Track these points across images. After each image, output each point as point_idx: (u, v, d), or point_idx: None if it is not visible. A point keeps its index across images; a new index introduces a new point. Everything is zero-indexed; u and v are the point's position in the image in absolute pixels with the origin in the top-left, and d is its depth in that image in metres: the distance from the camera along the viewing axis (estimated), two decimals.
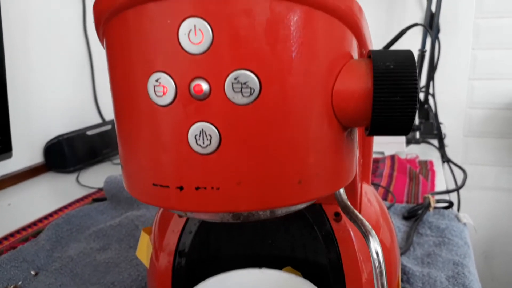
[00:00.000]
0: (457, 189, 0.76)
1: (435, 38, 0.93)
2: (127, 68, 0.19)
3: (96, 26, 0.21)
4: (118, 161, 0.93)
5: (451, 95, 1.06)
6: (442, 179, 0.77)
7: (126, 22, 0.18)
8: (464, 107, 1.07)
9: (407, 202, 0.66)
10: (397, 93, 0.18)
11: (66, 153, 0.84)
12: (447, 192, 0.69)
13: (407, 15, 1.04)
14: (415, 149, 0.92)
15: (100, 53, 1.01)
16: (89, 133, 0.91)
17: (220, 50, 0.17)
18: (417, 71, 0.19)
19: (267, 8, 0.17)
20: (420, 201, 0.66)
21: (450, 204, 0.63)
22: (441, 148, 0.92)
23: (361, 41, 0.21)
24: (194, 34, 0.17)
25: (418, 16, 1.02)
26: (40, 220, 0.64)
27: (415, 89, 0.18)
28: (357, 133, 0.23)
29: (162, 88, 0.18)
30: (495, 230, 1.11)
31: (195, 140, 0.18)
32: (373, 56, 0.19)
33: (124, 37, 0.19)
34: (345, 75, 0.19)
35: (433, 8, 0.93)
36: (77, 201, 0.72)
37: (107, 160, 0.95)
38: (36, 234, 0.58)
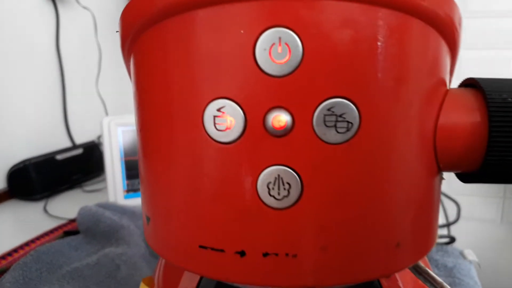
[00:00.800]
0: (452, 223, 0.74)
1: None
2: (171, 92, 0.14)
3: (122, 39, 0.16)
4: (89, 188, 0.86)
5: None
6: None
7: (173, 31, 0.14)
8: None
9: None
10: None
11: (33, 179, 0.76)
12: (443, 226, 0.66)
13: None
14: None
15: (73, 71, 0.94)
16: (59, 157, 0.83)
17: (312, 71, 0.13)
18: None
19: (375, 20, 0.13)
20: None
21: (452, 240, 0.60)
22: None
23: (454, 60, 0.17)
24: (278, 50, 0.13)
25: None
26: (3, 257, 0.56)
27: None
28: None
29: (226, 120, 0.13)
30: (481, 261, 1.10)
31: (267, 190, 0.13)
32: (483, 86, 0.15)
33: (169, 52, 0.14)
34: (450, 108, 0.15)
35: None
36: (46, 234, 0.64)
37: (77, 187, 0.87)
38: (0, 274, 0.50)
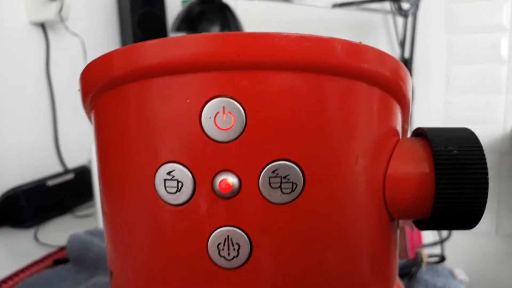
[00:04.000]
0: (444, 240, 0.74)
1: None
2: (126, 153, 0.15)
3: (83, 97, 0.16)
4: (80, 213, 0.86)
5: None
6: None
7: (128, 97, 0.14)
8: None
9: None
10: (464, 185, 0.15)
11: (24, 207, 0.76)
12: (435, 244, 0.66)
13: None
14: None
15: (63, 96, 0.95)
16: (50, 183, 0.83)
17: (256, 136, 0.13)
18: (484, 156, 0.15)
19: (312, 86, 0.14)
20: (411, 255, 0.63)
21: (442, 258, 0.60)
22: None
23: (406, 113, 0.18)
24: (223, 118, 0.13)
25: None
26: None
27: (485, 179, 0.15)
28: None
29: (175, 183, 0.14)
30: (476, 275, 1.09)
31: (218, 251, 0.14)
32: (431, 138, 0.16)
33: (124, 116, 0.14)
34: (399, 159, 0.16)
35: (406, 54, 0.94)
36: (36, 263, 0.64)
37: (69, 212, 0.87)
38: None
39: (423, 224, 0.17)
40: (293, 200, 0.14)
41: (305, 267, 0.14)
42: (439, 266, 0.59)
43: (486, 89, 1.02)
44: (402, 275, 0.57)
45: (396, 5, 0.87)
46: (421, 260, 0.59)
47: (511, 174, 1.05)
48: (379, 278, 0.16)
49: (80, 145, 0.97)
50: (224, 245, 0.14)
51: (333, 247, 0.15)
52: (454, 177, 0.15)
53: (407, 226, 0.73)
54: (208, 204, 0.14)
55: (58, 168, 0.94)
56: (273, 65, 0.13)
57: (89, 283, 0.56)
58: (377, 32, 1.06)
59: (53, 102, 0.93)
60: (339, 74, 0.14)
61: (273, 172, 0.13)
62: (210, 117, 0.13)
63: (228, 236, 0.14)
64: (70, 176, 0.88)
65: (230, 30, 0.89)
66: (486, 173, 0.15)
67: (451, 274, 0.57)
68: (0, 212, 0.78)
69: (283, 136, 0.13)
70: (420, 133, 0.17)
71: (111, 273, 0.17)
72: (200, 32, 0.95)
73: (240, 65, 0.13)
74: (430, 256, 0.61)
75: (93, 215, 0.83)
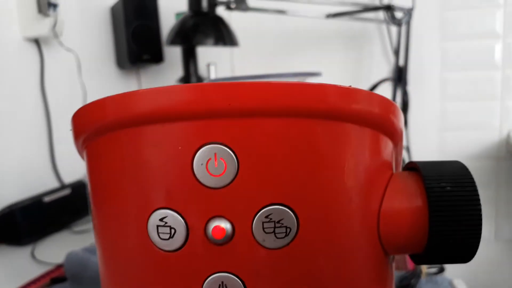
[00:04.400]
0: None
1: (405, 91, 0.94)
2: (119, 199, 0.15)
3: (74, 137, 0.16)
4: (78, 228, 0.85)
5: (423, 146, 1.07)
6: None
7: (120, 143, 0.14)
8: (436, 158, 1.08)
9: (397, 268, 0.63)
10: (458, 222, 0.15)
11: (20, 224, 0.76)
12: None
13: (374, 69, 1.06)
14: None
15: (58, 111, 0.94)
16: (46, 199, 0.83)
17: (248, 182, 0.13)
18: (478, 192, 0.15)
19: (303, 130, 0.14)
20: (410, 266, 0.63)
21: (441, 269, 0.60)
22: None
23: (399, 146, 0.18)
24: (215, 164, 0.13)
25: (385, 69, 1.04)
26: None
27: (479, 215, 0.15)
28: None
29: (168, 229, 0.14)
30: (476, 281, 1.09)
31: None
32: (423, 174, 0.16)
33: (117, 161, 0.14)
34: (392, 195, 0.16)
35: (401, 62, 0.95)
36: (33, 282, 0.63)
37: (66, 228, 0.86)
38: None
39: (418, 258, 0.17)
40: (288, 244, 0.14)
41: None
42: (439, 277, 0.59)
43: (481, 95, 1.02)
44: (401, 287, 0.57)
45: (389, 14, 0.88)
46: (420, 272, 0.59)
47: (508, 180, 1.05)
48: None
49: (76, 160, 0.97)
50: None
51: (328, 286, 0.15)
52: (447, 214, 0.15)
53: None
54: (202, 250, 0.14)
55: (55, 184, 0.93)
56: (263, 112, 0.13)
57: None
58: (372, 41, 1.06)
59: (48, 117, 0.93)
60: (329, 117, 0.14)
61: (267, 217, 0.13)
62: (202, 164, 0.13)
63: (222, 282, 0.14)
64: (66, 192, 0.88)
65: (224, 42, 0.89)
66: (479, 209, 0.15)
67: (451, 285, 0.57)
68: None
69: (276, 181, 0.13)
70: (413, 167, 0.17)
71: None
72: (195, 45, 0.96)
73: (231, 113, 0.13)
74: (430, 267, 0.61)
75: (90, 230, 0.83)
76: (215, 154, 0.13)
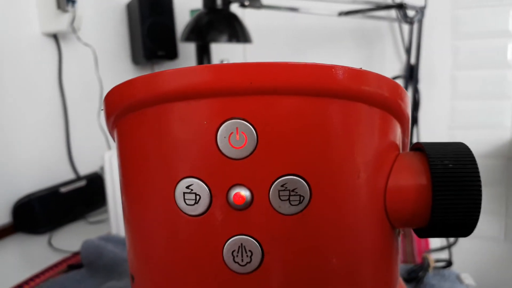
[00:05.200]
0: (451, 245, 0.74)
1: (416, 89, 0.95)
2: (148, 171, 0.16)
3: (106, 117, 0.18)
4: (93, 219, 0.88)
5: None
6: None
7: (149, 119, 0.16)
8: None
9: (405, 262, 0.64)
10: (459, 196, 0.16)
11: (38, 214, 0.78)
12: (442, 248, 0.67)
13: (386, 66, 1.06)
14: None
15: (75, 105, 0.97)
16: (63, 190, 0.85)
17: (266, 154, 0.15)
18: (478, 170, 0.17)
19: (316, 108, 0.15)
20: (417, 259, 0.64)
21: (449, 263, 0.61)
22: None
23: (406, 129, 0.19)
24: (236, 137, 0.14)
25: (397, 67, 1.05)
26: None
27: (479, 191, 0.16)
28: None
29: (194, 195, 0.15)
30: (485, 280, 1.10)
31: (232, 257, 0.15)
32: (428, 153, 0.17)
33: (147, 136, 0.16)
34: (398, 173, 0.17)
35: (412, 60, 0.95)
36: (51, 268, 0.66)
37: (82, 219, 0.89)
38: None
39: (422, 232, 0.18)
40: (301, 211, 0.15)
41: (312, 272, 0.15)
42: (446, 271, 0.59)
43: (493, 95, 1.02)
44: (409, 280, 0.58)
45: (401, 12, 0.88)
46: (428, 265, 0.59)
47: None
48: (381, 282, 0.17)
49: (92, 153, 1.00)
50: (238, 252, 0.15)
51: (337, 254, 0.16)
52: (449, 189, 0.16)
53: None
54: (223, 215, 0.15)
55: (71, 175, 0.96)
56: (280, 91, 0.14)
57: (103, 287, 0.57)
58: (384, 39, 1.07)
59: (65, 110, 0.95)
60: (340, 97, 0.15)
61: (282, 186, 0.15)
62: (225, 137, 0.15)
63: (241, 244, 0.15)
64: (82, 183, 0.90)
65: (238, 39, 0.90)
66: (479, 185, 0.16)
67: (458, 279, 0.58)
68: (15, 219, 0.80)
69: (291, 154, 0.15)
70: (418, 147, 0.18)
71: (132, 278, 0.18)
72: (209, 41, 0.97)
73: (251, 91, 0.14)
74: (437, 261, 0.61)
75: (105, 221, 0.85)
76: (236, 128, 0.14)
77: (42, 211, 0.80)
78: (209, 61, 1.04)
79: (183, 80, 0.15)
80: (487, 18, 1.00)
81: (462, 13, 1.02)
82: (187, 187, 0.15)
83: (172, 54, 1.11)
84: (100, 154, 0.68)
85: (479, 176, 0.17)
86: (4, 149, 0.80)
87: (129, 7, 1.13)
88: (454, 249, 0.84)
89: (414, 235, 0.72)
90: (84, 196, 0.90)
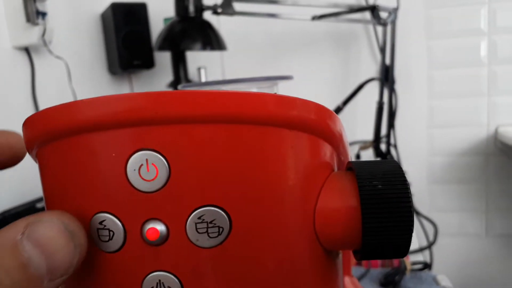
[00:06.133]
0: (430, 245, 0.74)
1: (392, 90, 0.95)
2: (63, 203, 0.15)
3: (26, 147, 0.17)
4: None
5: (412, 144, 1.07)
6: (413, 235, 0.75)
7: (63, 151, 0.15)
8: (426, 155, 1.09)
9: (382, 265, 0.64)
10: (389, 219, 0.16)
11: None
12: (421, 249, 0.67)
13: (362, 68, 1.06)
14: None
15: None
16: (39, 205, 0.84)
17: (180, 185, 0.14)
18: (409, 190, 0.16)
19: (231, 135, 0.14)
20: (395, 263, 0.64)
21: (426, 265, 0.61)
22: None
23: (338, 148, 0.18)
24: (147, 170, 0.14)
25: (373, 68, 1.05)
26: None
27: (409, 213, 0.16)
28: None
29: (107, 231, 0.14)
30: (467, 276, 1.10)
31: None
32: (357, 173, 0.17)
33: (60, 169, 0.15)
34: (327, 195, 0.17)
35: (387, 61, 0.96)
36: None
37: None
38: None
39: (358, 255, 0.17)
40: (221, 243, 0.14)
41: None
42: (423, 273, 0.59)
43: (468, 92, 1.03)
44: (386, 284, 0.58)
45: (375, 14, 0.89)
46: (405, 268, 0.59)
47: (497, 175, 1.06)
48: None
49: None
50: None
51: (266, 283, 0.15)
52: (379, 211, 0.16)
53: None
54: (139, 251, 0.14)
55: None
56: (190, 119, 0.14)
57: None
58: (359, 41, 1.07)
59: None
60: (256, 123, 0.14)
61: (199, 218, 0.14)
62: (134, 169, 0.14)
63: (159, 281, 0.14)
64: None
65: (212, 46, 0.90)
66: (410, 207, 0.16)
67: (434, 281, 0.58)
68: None
69: (207, 184, 0.14)
70: (350, 167, 0.18)
71: None
72: (183, 49, 0.97)
73: (158, 120, 0.14)
74: (414, 263, 0.61)
75: None
76: (146, 160, 0.14)
77: None
78: (185, 69, 1.03)
79: (93, 111, 0.14)
80: (460, 17, 1.01)
81: (435, 12, 1.03)
82: (100, 223, 0.14)
83: (148, 63, 1.10)
84: None
85: (409, 197, 0.16)
86: None
87: (103, 17, 1.11)
88: (435, 248, 0.85)
89: None
90: None
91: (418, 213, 0.90)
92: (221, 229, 0.14)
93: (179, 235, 0.14)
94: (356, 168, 0.17)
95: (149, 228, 0.14)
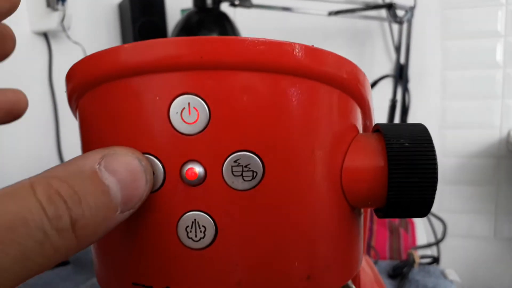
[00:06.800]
0: (438, 242, 0.74)
1: (405, 88, 0.95)
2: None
3: (68, 97, 0.18)
4: None
5: None
6: (422, 231, 0.75)
7: (105, 96, 0.16)
8: (437, 156, 1.08)
9: (391, 258, 0.64)
10: (415, 175, 0.16)
11: None
12: (429, 245, 0.67)
13: (376, 66, 1.07)
14: None
15: (65, 103, 0.96)
16: None
17: (218, 130, 0.15)
18: (434, 149, 0.17)
19: (270, 84, 0.15)
20: (404, 256, 0.64)
21: (434, 260, 0.61)
22: None
23: (366, 112, 0.19)
24: (188, 113, 0.15)
25: (387, 67, 1.05)
26: None
27: (435, 169, 0.17)
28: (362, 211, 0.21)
29: None
30: (475, 278, 1.10)
31: (186, 233, 0.15)
32: (384, 132, 0.17)
33: (103, 113, 0.16)
34: (355, 153, 0.17)
35: (402, 60, 0.96)
36: None
37: None
38: None
39: (380, 212, 0.18)
40: (254, 187, 0.15)
41: (266, 248, 0.15)
42: (431, 267, 0.60)
43: (482, 94, 1.03)
44: (394, 276, 0.58)
45: (391, 12, 0.89)
46: (413, 261, 0.60)
47: (508, 178, 1.06)
48: (338, 261, 0.17)
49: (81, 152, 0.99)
50: (191, 227, 0.15)
51: (291, 231, 0.16)
52: (405, 167, 0.16)
53: (401, 229, 0.74)
54: (177, 191, 0.15)
55: None
56: (232, 66, 0.14)
57: (88, 283, 0.57)
58: (374, 38, 1.07)
59: (55, 109, 0.95)
60: (295, 74, 0.15)
61: (235, 161, 0.15)
62: (177, 112, 0.15)
63: (195, 220, 0.15)
64: None
65: None
66: (435, 164, 0.17)
67: (443, 275, 0.58)
68: None
69: (244, 130, 0.15)
70: (377, 129, 0.19)
71: (93, 260, 0.19)
72: None
73: (203, 66, 0.14)
74: (423, 257, 0.62)
75: None
76: (188, 103, 0.15)
77: None
78: None
79: (136, 55, 0.15)
80: (476, 18, 1.01)
81: (452, 13, 1.03)
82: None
83: None
84: None
85: (435, 155, 0.17)
86: None
87: (120, 6, 1.13)
88: (443, 247, 0.84)
89: (402, 232, 0.73)
90: None
91: None
92: (255, 174, 0.15)
93: (216, 177, 0.15)
94: (384, 129, 0.17)
95: (188, 169, 0.15)
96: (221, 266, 0.15)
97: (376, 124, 0.19)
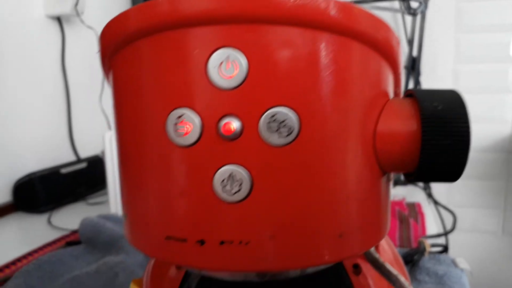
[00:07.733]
0: (448, 232, 0.74)
1: (417, 81, 0.95)
2: (140, 103, 0.16)
3: (102, 56, 0.18)
4: (92, 200, 0.88)
5: None
6: (432, 222, 0.75)
7: (142, 51, 0.16)
8: None
9: (400, 246, 0.64)
10: (448, 137, 0.17)
11: (38, 193, 0.79)
12: (438, 235, 0.67)
13: None
14: (401, 190, 0.91)
15: (77, 87, 0.97)
16: (63, 171, 0.86)
17: (256, 84, 0.15)
18: (467, 112, 0.17)
19: (308, 40, 0.15)
20: (414, 245, 0.64)
21: (445, 249, 0.61)
22: (427, 190, 0.92)
23: (397, 78, 0.19)
24: (226, 67, 0.15)
25: None
26: (7, 266, 0.58)
27: (467, 132, 0.17)
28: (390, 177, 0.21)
29: (184, 126, 0.15)
30: (482, 273, 1.10)
31: (221, 186, 0.15)
32: (418, 96, 0.17)
33: (139, 68, 0.16)
34: (388, 116, 0.17)
35: (414, 52, 0.95)
36: (49, 244, 0.66)
37: (81, 200, 0.89)
38: (2, 282, 0.52)
39: (411, 177, 0.18)
40: (290, 143, 0.15)
41: (299, 204, 0.16)
42: (442, 256, 0.60)
43: (494, 89, 1.02)
44: (405, 263, 0.58)
45: (405, 4, 0.88)
46: (424, 249, 0.60)
47: None
48: (368, 223, 0.18)
49: (93, 136, 1.00)
50: (227, 181, 0.15)
51: (325, 188, 0.16)
52: (438, 129, 0.17)
53: (411, 219, 0.74)
54: (214, 145, 0.15)
55: (71, 157, 0.96)
56: (272, 20, 0.15)
57: (99, 262, 0.58)
58: None
59: (67, 93, 0.96)
60: (334, 31, 0.15)
61: (272, 117, 0.15)
62: (215, 66, 0.15)
63: (231, 173, 0.15)
64: (83, 165, 0.91)
65: None
66: (468, 127, 0.17)
67: (453, 263, 0.58)
68: (16, 197, 0.80)
69: (281, 85, 0.15)
70: (410, 94, 0.19)
71: (125, 216, 0.19)
72: None
73: (242, 19, 0.14)
74: (433, 245, 0.62)
75: (105, 203, 0.85)
76: (227, 57, 0.15)
77: (43, 190, 0.80)
78: None
79: (173, 9, 0.15)
80: (491, 12, 1.00)
81: (466, 6, 1.02)
82: (178, 117, 0.15)
83: None
84: (101, 137, 0.69)
85: (468, 119, 0.17)
86: (6, 128, 0.81)
87: None
88: (451, 241, 0.84)
89: (412, 222, 0.73)
90: (85, 178, 0.90)
91: (436, 203, 0.90)
92: (291, 130, 0.15)
93: (252, 132, 0.15)
94: (417, 92, 0.18)
95: (225, 123, 0.15)
96: (255, 220, 0.16)
97: (409, 89, 0.19)
